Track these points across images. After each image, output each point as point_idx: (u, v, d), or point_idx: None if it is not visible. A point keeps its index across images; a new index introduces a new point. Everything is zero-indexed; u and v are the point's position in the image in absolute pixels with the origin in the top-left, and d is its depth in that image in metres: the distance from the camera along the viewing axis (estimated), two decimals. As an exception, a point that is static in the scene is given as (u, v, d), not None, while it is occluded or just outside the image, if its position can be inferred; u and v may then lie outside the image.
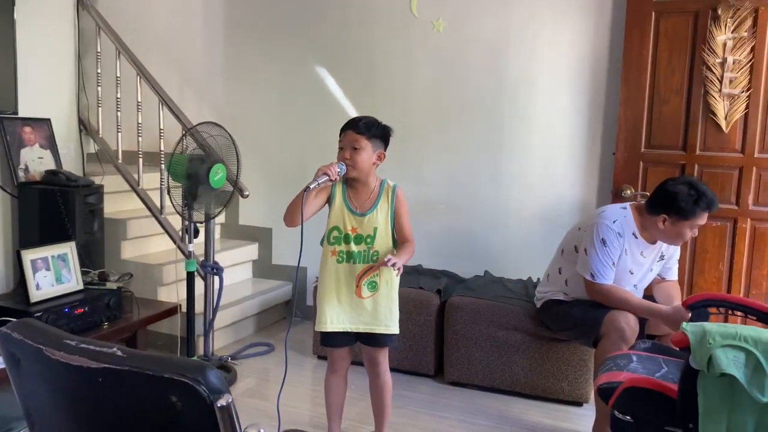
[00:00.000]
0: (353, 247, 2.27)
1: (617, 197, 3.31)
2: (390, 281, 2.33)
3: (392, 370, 3.20)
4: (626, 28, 3.25)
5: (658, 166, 3.27)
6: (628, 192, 3.30)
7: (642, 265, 2.70)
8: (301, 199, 2.16)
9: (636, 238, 2.64)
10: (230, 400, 0.89)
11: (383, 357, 2.39)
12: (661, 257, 2.75)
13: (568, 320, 2.79)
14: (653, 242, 2.67)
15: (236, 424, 0.87)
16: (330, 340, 2.36)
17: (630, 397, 1.88)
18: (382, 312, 2.31)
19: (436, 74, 3.77)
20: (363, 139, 2.23)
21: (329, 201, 2.31)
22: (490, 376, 3.13)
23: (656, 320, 2.59)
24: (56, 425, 1.03)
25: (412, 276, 3.56)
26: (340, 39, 3.98)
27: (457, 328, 3.17)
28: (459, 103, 3.73)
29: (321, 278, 2.34)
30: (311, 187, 2.15)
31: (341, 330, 2.31)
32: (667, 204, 2.52)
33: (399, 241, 2.32)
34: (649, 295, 2.79)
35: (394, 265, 2.14)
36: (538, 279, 3.20)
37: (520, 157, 3.64)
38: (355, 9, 3.92)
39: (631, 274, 2.69)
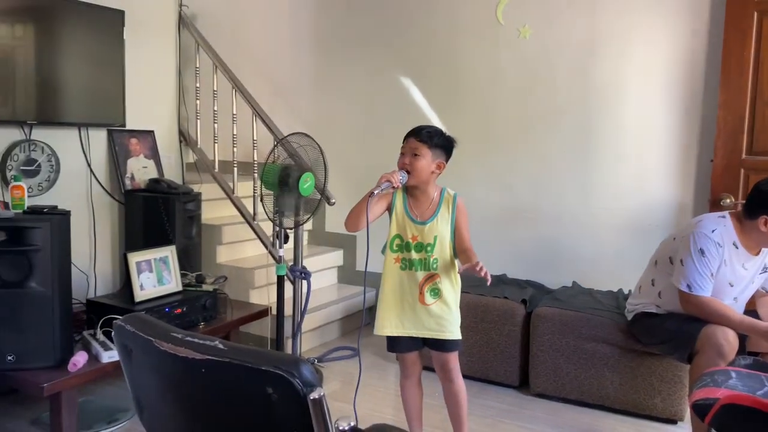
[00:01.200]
0: (413, 255, 2.30)
1: (715, 206, 3.15)
2: (452, 287, 2.33)
3: (475, 379, 3.23)
4: (725, 28, 3.10)
5: (760, 174, 3.08)
6: (728, 201, 3.14)
7: (743, 277, 2.55)
8: (365, 204, 2.20)
9: (737, 248, 2.51)
10: (322, 394, 0.93)
11: (453, 362, 2.39)
12: (765, 269, 2.59)
13: (662, 334, 2.68)
14: (756, 253, 2.53)
15: (327, 416, 0.92)
16: (395, 346, 2.39)
17: (728, 415, 1.78)
18: (446, 318, 2.31)
19: (522, 81, 3.73)
20: (424, 147, 2.25)
21: (390, 209, 2.34)
22: (578, 390, 3.05)
23: (758, 337, 2.44)
24: (162, 411, 1.11)
25: (496, 286, 3.53)
26: (425, 47, 4.02)
27: (544, 339, 3.11)
28: (546, 109, 3.68)
29: (383, 284, 2.36)
30: (375, 193, 2.19)
31: (405, 335, 2.33)
32: (766, 202, 2.39)
33: (459, 250, 2.31)
34: (751, 309, 2.64)
35: (486, 273, 2.12)
36: (629, 291, 3.09)
37: (611, 163, 3.54)
38: (441, 17, 3.95)
39: (731, 286, 2.55)
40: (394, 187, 2.24)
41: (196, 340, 1.02)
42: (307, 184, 3.07)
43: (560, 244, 3.69)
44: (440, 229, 2.29)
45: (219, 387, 1.00)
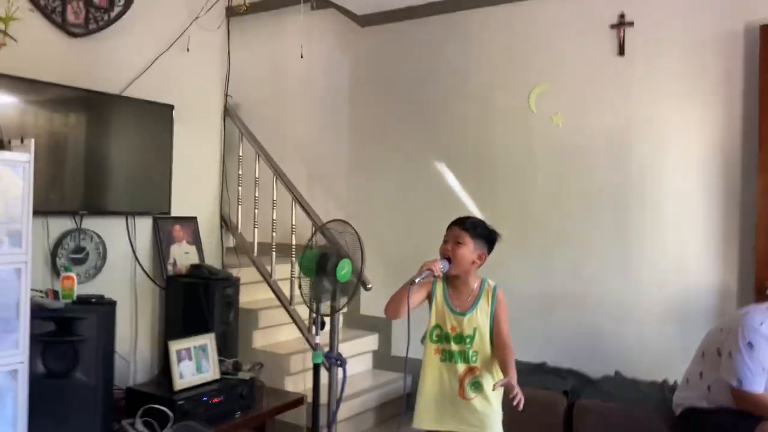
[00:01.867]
0: (453, 347, 2.28)
1: (761, 295, 3.08)
2: (494, 381, 2.27)
3: (517, 475, 3.10)
4: (760, 114, 3.13)
5: (807, 261, 3.03)
6: (774, 289, 3.06)
7: (796, 371, 2.46)
8: (406, 292, 2.20)
9: (787, 341, 2.43)
10: None
11: None
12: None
13: (713, 431, 2.56)
14: (809, 347, 2.44)
15: None
16: None
17: None
18: (488, 414, 2.26)
19: (557, 166, 3.78)
20: (467, 236, 2.27)
21: (430, 298, 2.34)
22: (626, 488, 2.91)
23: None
24: None
25: (536, 375, 3.45)
26: (460, 134, 4.11)
27: (587, 432, 3.01)
28: (582, 194, 3.70)
29: (423, 375, 2.33)
30: (417, 281, 2.20)
31: (442, 430, 2.27)
32: None
33: (496, 343, 2.27)
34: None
35: (520, 401, 2.03)
36: (675, 381, 2.99)
37: (650, 250, 3.51)
38: (474, 105, 4.06)
39: (785, 381, 2.45)
40: (435, 276, 2.24)
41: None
42: (344, 270, 3.10)
43: (601, 331, 3.62)
44: (479, 321, 2.28)
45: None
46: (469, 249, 2.28)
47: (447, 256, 2.28)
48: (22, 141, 2.26)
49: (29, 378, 2.24)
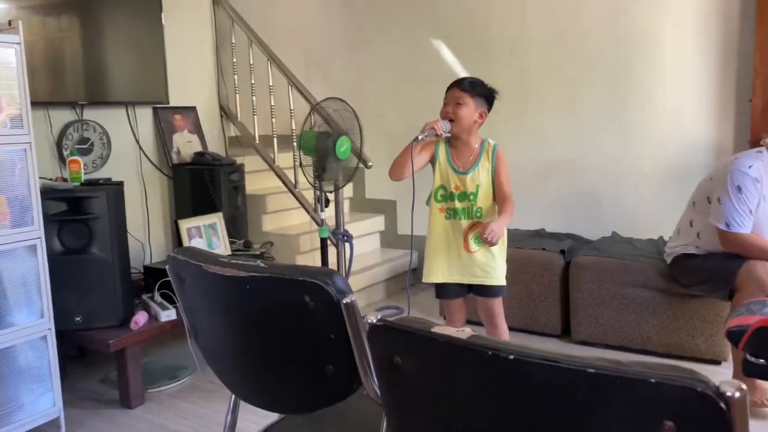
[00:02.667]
0: (457, 204, 2.37)
1: (756, 146, 3.09)
2: None
3: (518, 330, 3.29)
4: (760, -37, 3.03)
5: (803, 110, 3.03)
6: (769, 140, 3.08)
7: (784, 212, 2.53)
8: (409, 152, 2.26)
9: (775, 183, 2.49)
10: (353, 299, 1.02)
11: (497, 307, 2.45)
12: (806, 203, 2.56)
13: (701, 273, 2.69)
14: (796, 187, 2.50)
15: (359, 317, 1.01)
16: (444, 292, 2.48)
17: (762, 339, 1.81)
18: (491, 264, 2.38)
19: (553, 31, 3.72)
20: (466, 95, 2.31)
21: (432, 161, 2.41)
22: (620, 335, 3.08)
23: (800, 270, 2.43)
24: (213, 329, 1.23)
25: (535, 238, 3.57)
26: (454, 4, 4.03)
27: (583, 287, 3.15)
28: (579, 58, 3.66)
29: (430, 234, 2.44)
30: (420, 138, 2.25)
31: (452, 281, 2.42)
32: None
33: (498, 198, 2.36)
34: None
35: (491, 240, 2.19)
36: (670, 237, 3.09)
37: (647, 110, 3.51)
38: (469, -23, 3.96)
39: (771, 221, 2.54)
40: (437, 135, 2.28)
41: (240, 261, 1.13)
42: (343, 147, 3.16)
43: (599, 195, 3.69)
44: (481, 179, 2.35)
45: (262, 300, 1.11)
46: (470, 109, 2.32)
47: (449, 118, 2.32)
48: (9, 24, 2.27)
49: (49, 255, 2.37)
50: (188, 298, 1.27)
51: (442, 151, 2.41)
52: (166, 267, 1.30)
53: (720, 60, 3.30)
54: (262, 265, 1.10)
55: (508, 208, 2.32)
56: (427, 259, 2.46)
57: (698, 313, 2.89)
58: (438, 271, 2.43)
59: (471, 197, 2.36)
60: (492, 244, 2.23)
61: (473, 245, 2.38)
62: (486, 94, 2.36)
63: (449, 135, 2.36)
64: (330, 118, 3.25)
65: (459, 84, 2.35)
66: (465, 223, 2.38)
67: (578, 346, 3.19)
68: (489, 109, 2.38)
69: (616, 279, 3.07)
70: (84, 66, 3.18)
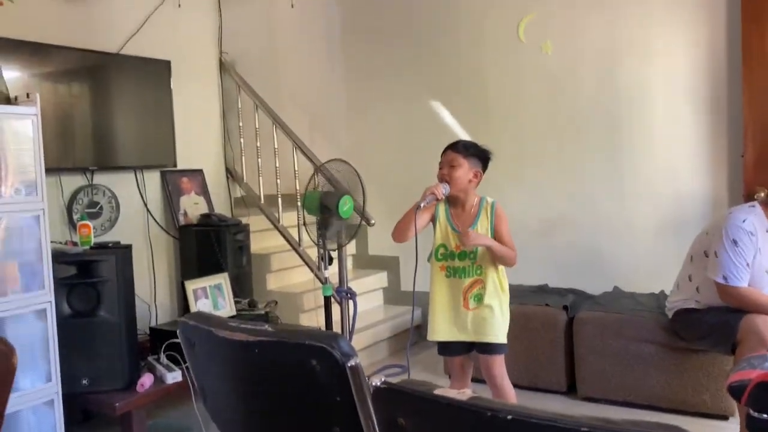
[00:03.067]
0: (458, 263, 2.43)
1: (750, 201, 3.17)
2: (496, 292, 2.43)
3: (524, 388, 3.28)
4: (743, 24, 3.17)
5: (794, 165, 3.11)
6: (762, 195, 3.15)
7: (779, 264, 2.57)
8: (411, 216, 2.37)
9: (769, 236, 2.54)
10: (358, 362, 1.06)
11: (497, 366, 2.46)
12: (801, 256, 2.60)
13: (702, 328, 2.71)
14: (791, 240, 2.55)
15: (363, 380, 1.05)
16: (445, 350, 2.52)
17: (763, 394, 1.82)
18: (490, 322, 2.41)
19: (548, 93, 3.85)
20: (460, 157, 2.41)
21: (434, 220, 2.49)
22: (625, 391, 3.07)
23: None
24: (223, 393, 1.26)
25: (538, 294, 3.60)
26: (452, 69, 4.18)
27: (587, 343, 3.16)
28: (574, 118, 3.78)
29: (432, 292, 2.50)
30: (422, 205, 2.35)
31: (453, 340, 2.45)
32: None
33: None
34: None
35: (465, 240, 2.31)
36: (671, 290, 3.12)
37: (642, 166, 3.60)
38: (465, 39, 4.12)
39: (768, 274, 2.57)
40: (438, 199, 2.39)
41: (248, 326, 1.18)
42: (346, 206, 3.22)
43: (599, 250, 3.74)
44: None
45: (270, 363, 1.14)
46: (464, 169, 2.41)
47: (445, 180, 2.41)
48: (28, 96, 2.39)
49: (57, 318, 2.42)
50: (198, 362, 1.31)
51: (442, 211, 2.49)
52: (177, 331, 1.34)
53: (710, 116, 3.41)
54: (270, 329, 1.14)
55: (509, 251, 2.40)
56: (431, 317, 2.50)
57: (703, 368, 2.89)
58: (440, 329, 2.47)
59: (471, 256, 2.42)
60: (466, 240, 2.32)
61: (472, 303, 2.42)
62: (479, 155, 2.46)
63: (448, 196, 2.44)
64: (333, 179, 3.35)
65: (453, 147, 2.46)
66: (466, 281, 2.43)
67: (584, 402, 3.18)
68: (484, 169, 2.48)
69: (619, 334, 3.08)
70: (94, 131, 3.29)
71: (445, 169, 2.43)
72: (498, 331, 2.43)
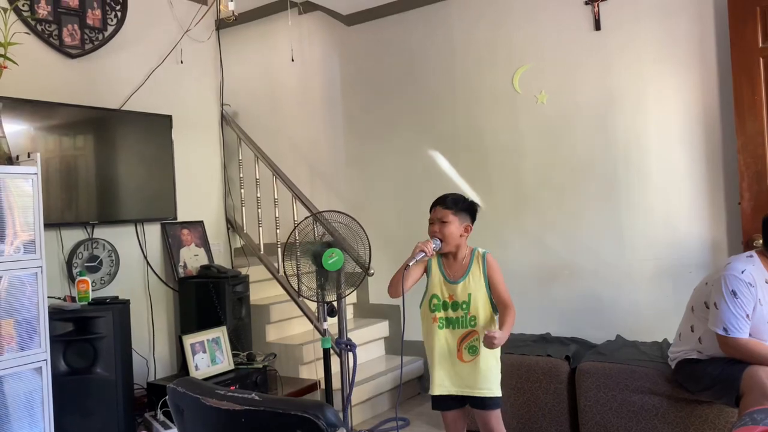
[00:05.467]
0: (451, 314, 2.43)
1: (749, 248, 3.16)
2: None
3: (526, 440, 3.22)
4: (734, 77, 3.21)
5: (791, 212, 3.11)
6: (760, 242, 3.14)
7: (780, 314, 2.55)
8: (401, 273, 2.37)
9: (769, 286, 2.53)
10: (344, 432, 1.05)
11: (495, 422, 2.42)
12: (802, 305, 2.58)
13: (705, 379, 2.66)
14: (790, 290, 2.53)
15: (350, 451, 1.04)
16: (438, 404, 2.48)
17: (767, 451, 1.79)
18: (485, 375, 2.39)
19: (544, 142, 3.89)
20: (450, 213, 2.42)
21: (426, 271, 2.50)
22: (630, 444, 3.01)
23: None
24: (211, 462, 1.24)
25: (539, 344, 3.56)
26: (449, 120, 4.24)
27: (590, 395, 3.11)
28: (571, 167, 3.80)
29: (426, 344, 2.49)
30: (410, 264, 2.36)
31: (447, 393, 2.42)
32: None
33: (497, 304, 2.41)
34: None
35: (492, 341, 2.22)
36: (673, 342, 3.09)
37: (640, 215, 3.60)
38: (461, 91, 4.18)
39: (770, 325, 2.55)
40: (428, 256, 2.39)
41: (236, 394, 1.17)
42: (332, 259, 3.19)
43: (600, 298, 3.72)
44: (473, 287, 2.42)
45: (257, 433, 1.13)
46: (455, 226, 2.43)
47: (437, 236, 2.43)
48: (29, 156, 2.43)
49: (53, 376, 2.40)
50: (186, 429, 1.29)
51: (434, 262, 2.50)
52: (166, 398, 1.33)
53: (706, 164, 3.43)
54: (257, 398, 1.14)
55: (510, 315, 2.36)
56: (431, 371, 2.48)
57: (708, 420, 2.83)
58: (436, 383, 2.44)
59: (464, 306, 2.41)
60: (492, 347, 2.25)
61: (467, 354, 2.40)
62: (468, 209, 2.47)
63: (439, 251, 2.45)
64: (332, 229, 3.35)
65: (442, 202, 2.47)
66: (459, 332, 2.42)
67: (589, 456, 3.11)
68: (473, 221, 2.49)
69: (622, 385, 3.03)
70: (96, 185, 3.33)
71: (436, 225, 2.44)
72: (493, 385, 2.41)
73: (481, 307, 2.41)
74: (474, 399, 2.41)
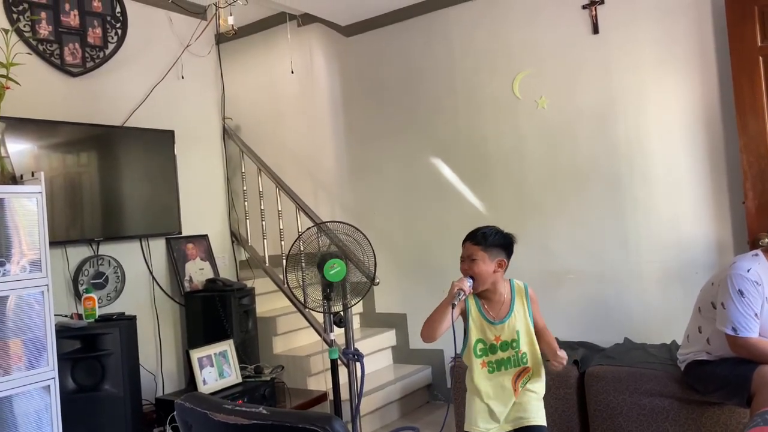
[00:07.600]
0: (501, 355, 2.27)
1: (755, 247, 3.15)
2: (540, 376, 2.32)
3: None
4: (734, 76, 3.21)
5: (796, 210, 3.10)
6: (767, 240, 3.13)
7: (790, 313, 2.53)
8: (443, 314, 2.17)
9: (776, 284, 2.51)
10: (353, 444, 1.05)
11: None
12: (810, 303, 2.57)
13: (716, 381, 2.64)
14: (798, 287, 2.52)
15: (358, 463, 1.03)
16: None
17: (780, 452, 1.77)
18: (536, 404, 2.28)
19: (546, 147, 3.89)
20: (479, 250, 2.23)
21: (464, 314, 2.31)
22: (642, 447, 2.99)
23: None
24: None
25: (547, 349, 3.55)
26: (451, 128, 4.24)
27: (600, 398, 3.09)
28: (574, 171, 3.80)
29: (472, 388, 2.30)
30: (455, 304, 2.17)
31: (498, 430, 2.28)
32: None
33: (538, 337, 2.31)
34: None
35: (563, 362, 2.18)
36: (682, 343, 3.07)
37: (645, 217, 3.60)
38: (462, 98, 4.19)
39: (778, 323, 2.53)
40: (466, 294, 2.22)
41: (243, 408, 1.17)
42: (334, 270, 3.17)
43: (607, 301, 3.70)
44: (519, 324, 2.28)
45: (265, 447, 1.13)
46: (485, 263, 2.22)
47: (468, 275, 2.25)
48: (33, 175, 2.44)
49: (61, 393, 2.41)
50: (195, 445, 1.29)
51: (472, 304, 2.29)
52: (174, 413, 1.33)
53: (709, 164, 3.42)
54: (264, 411, 1.14)
55: (552, 338, 2.29)
56: (471, 409, 2.29)
57: (720, 422, 2.81)
58: (483, 420, 2.26)
59: (513, 344, 2.26)
60: (559, 362, 2.19)
61: (523, 391, 2.27)
62: (501, 243, 2.27)
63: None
64: (336, 240, 3.35)
65: (472, 238, 2.27)
66: (512, 371, 2.26)
67: (601, 461, 3.09)
68: (509, 256, 2.29)
69: (632, 388, 3.01)
70: (100, 202, 3.35)
71: (466, 263, 2.25)
72: (543, 413, 2.30)
73: (528, 342, 2.28)
74: (524, 429, 2.26)
